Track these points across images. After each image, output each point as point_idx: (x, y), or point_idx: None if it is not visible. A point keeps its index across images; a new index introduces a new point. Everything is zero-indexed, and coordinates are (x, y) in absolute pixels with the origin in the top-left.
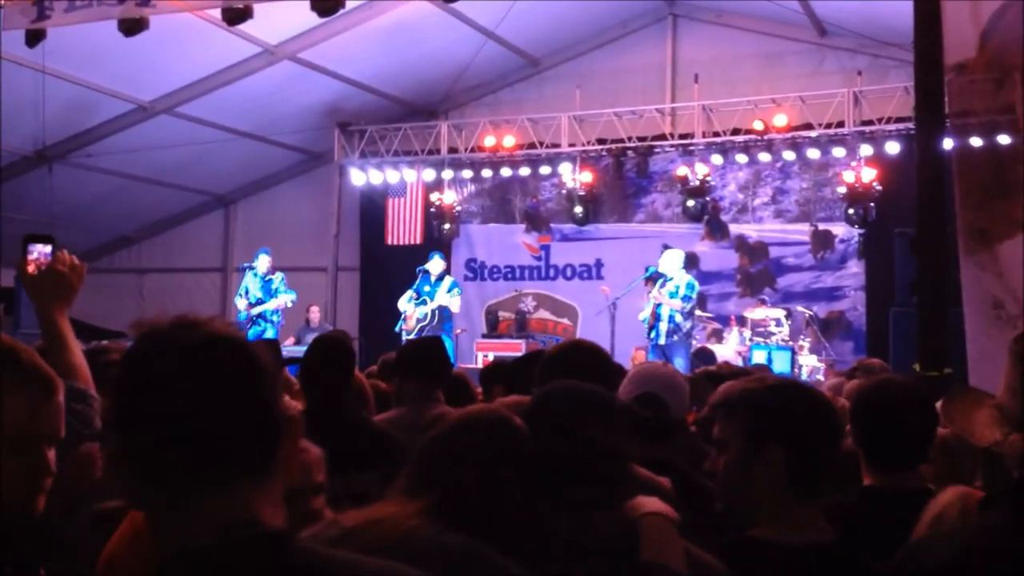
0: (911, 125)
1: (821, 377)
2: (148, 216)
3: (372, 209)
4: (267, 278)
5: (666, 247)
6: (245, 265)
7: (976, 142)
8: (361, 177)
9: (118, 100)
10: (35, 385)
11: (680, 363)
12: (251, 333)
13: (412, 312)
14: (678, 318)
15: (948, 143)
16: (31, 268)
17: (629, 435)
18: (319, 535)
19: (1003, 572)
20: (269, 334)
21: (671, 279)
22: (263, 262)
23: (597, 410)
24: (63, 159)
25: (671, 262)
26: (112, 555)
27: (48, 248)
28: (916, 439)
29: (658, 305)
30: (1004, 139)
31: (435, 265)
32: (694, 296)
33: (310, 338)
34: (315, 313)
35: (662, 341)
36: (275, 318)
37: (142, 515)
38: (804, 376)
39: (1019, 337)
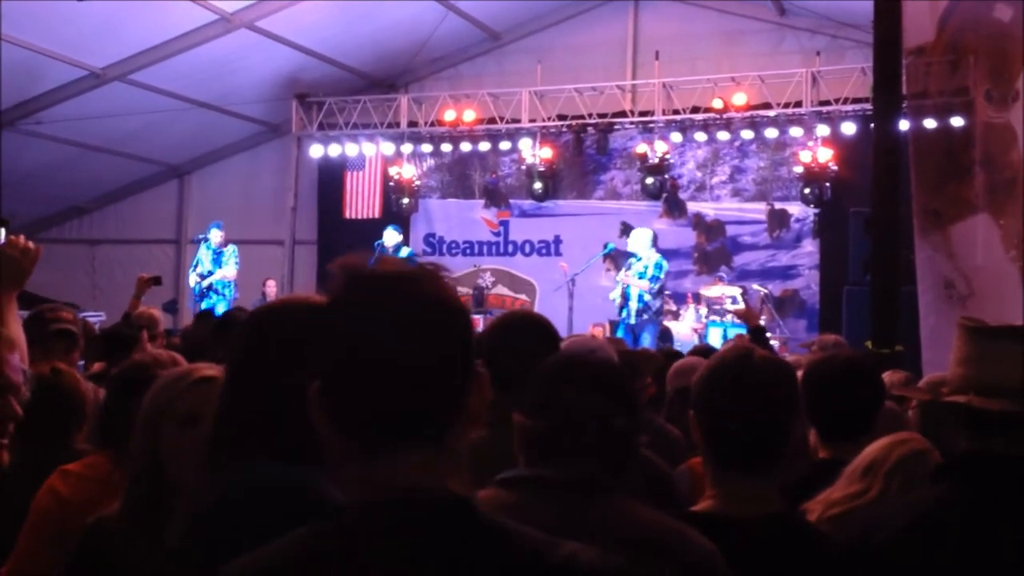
0: (867, 106)
1: None
2: (100, 186)
3: (330, 182)
4: (219, 251)
5: (625, 225)
6: (200, 237)
7: (931, 123)
8: (319, 150)
9: (69, 66)
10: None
11: (648, 340)
12: (203, 306)
13: None
14: (646, 297)
15: (904, 124)
16: None
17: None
18: None
19: (953, 543)
20: (220, 308)
21: (639, 259)
22: (215, 235)
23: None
24: (12, 126)
25: (640, 242)
26: (52, 503)
27: (1, 232)
28: (862, 411)
29: (627, 286)
30: (958, 121)
31: (390, 237)
32: (662, 276)
33: None
34: (271, 287)
35: (632, 320)
36: (227, 292)
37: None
38: None
39: (967, 316)
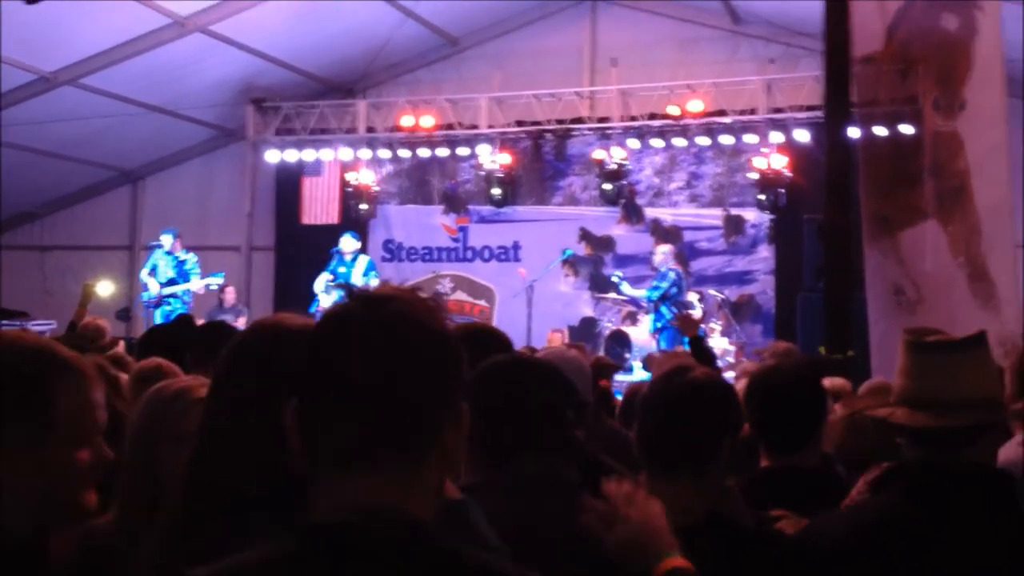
0: (821, 113)
1: (731, 359)
2: (51, 191)
3: (288, 188)
4: (180, 258)
5: (584, 231)
6: (154, 244)
7: (881, 131)
8: (276, 155)
9: (19, 70)
10: (83, 376)
11: (663, 346)
12: (160, 313)
13: (328, 298)
14: (663, 308)
15: (855, 132)
16: None
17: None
18: None
19: (897, 549)
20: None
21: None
22: (167, 241)
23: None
24: None
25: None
26: None
27: None
28: (805, 421)
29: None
30: (907, 129)
31: (347, 243)
32: (663, 284)
33: (222, 319)
34: (230, 293)
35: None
36: (186, 298)
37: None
38: None
39: (910, 328)
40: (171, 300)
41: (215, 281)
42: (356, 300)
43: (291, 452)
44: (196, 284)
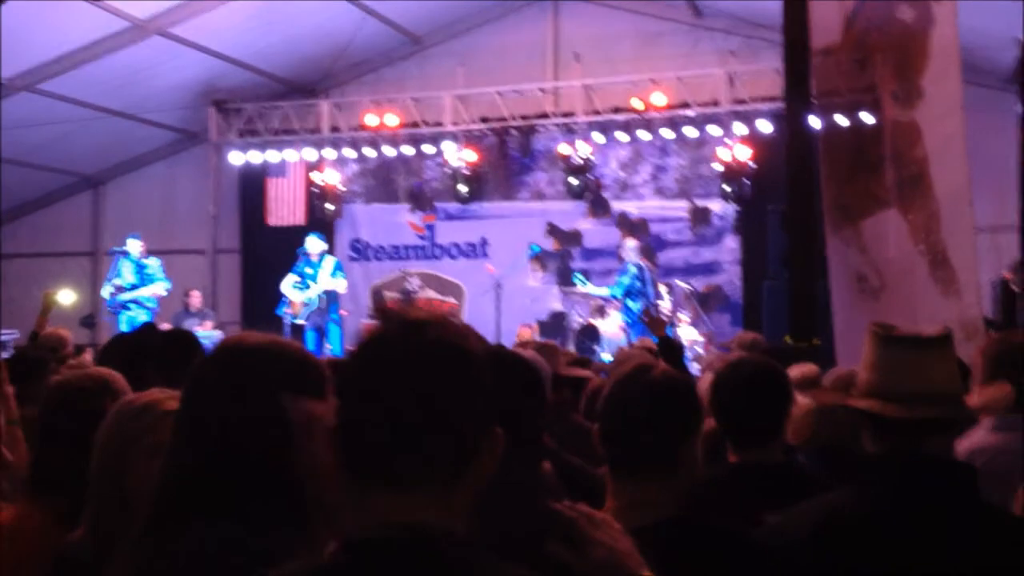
0: (782, 104)
1: (700, 350)
2: (11, 199)
3: (252, 189)
4: (142, 263)
5: (551, 225)
6: (116, 250)
7: (841, 120)
8: (239, 157)
9: None
10: None
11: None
12: (125, 319)
13: (297, 297)
14: (629, 303)
15: (816, 122)
16: None
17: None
18: None
19: (852, 545)
20: (143, 319)
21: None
22: (134, 247)
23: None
24: None
25: (625, 252)
26: None
27: None
28: (769, 416)
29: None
30: (868, 118)
31: (313, 244)
32: (626, 280)
33: (188, 324)
34: (196, 297)
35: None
36: (150, 303)
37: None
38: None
39: (877, 323)
40: (132, 305)
41: (163, 287)
42: (393, 324)
43: (328, 469)
44: (149, 289)
